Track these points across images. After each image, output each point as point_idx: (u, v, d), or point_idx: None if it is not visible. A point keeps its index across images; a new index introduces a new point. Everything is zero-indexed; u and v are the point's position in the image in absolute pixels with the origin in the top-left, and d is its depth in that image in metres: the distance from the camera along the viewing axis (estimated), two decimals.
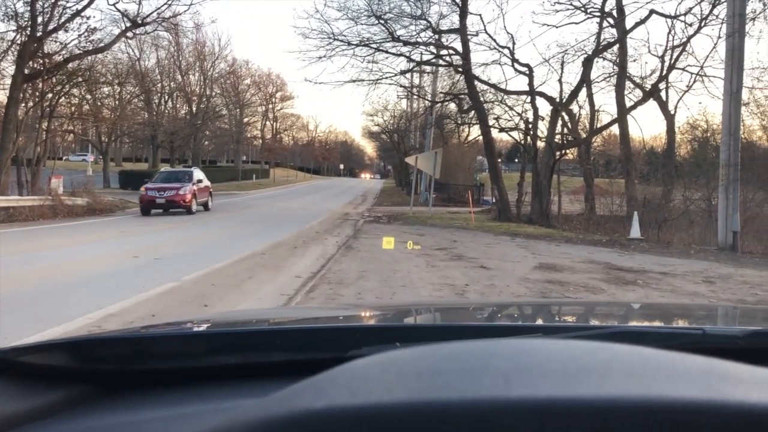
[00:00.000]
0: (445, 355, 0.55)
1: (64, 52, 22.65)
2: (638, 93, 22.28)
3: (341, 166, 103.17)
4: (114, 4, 22.33)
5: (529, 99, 21.39)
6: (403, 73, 23.49)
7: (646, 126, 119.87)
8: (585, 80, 20.99)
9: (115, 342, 1.12)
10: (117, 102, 40.12)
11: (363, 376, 0.52)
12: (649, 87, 21.35)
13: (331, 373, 0.53)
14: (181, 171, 24.42)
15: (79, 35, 22.08)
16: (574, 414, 0.43)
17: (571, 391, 0.45)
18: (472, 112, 23.60)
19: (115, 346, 1.09)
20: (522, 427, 0.43)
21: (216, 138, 66.93)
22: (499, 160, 31.85)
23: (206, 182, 23.36)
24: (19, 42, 21.17)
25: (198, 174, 23.05)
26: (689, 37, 19.74)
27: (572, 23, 26.68)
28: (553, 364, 0.51)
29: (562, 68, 21.17)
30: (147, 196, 20.71)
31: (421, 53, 23.46)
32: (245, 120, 71.53)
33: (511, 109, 22.91)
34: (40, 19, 20.88)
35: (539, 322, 1.64)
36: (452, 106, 29.30)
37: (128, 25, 23.06)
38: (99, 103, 32.17)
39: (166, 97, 54.33)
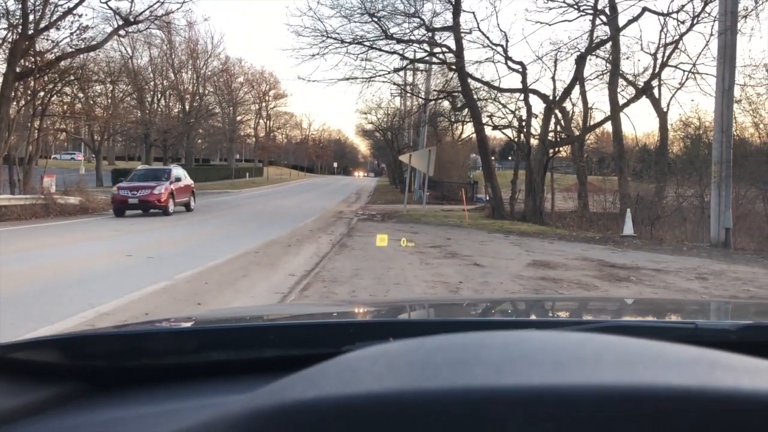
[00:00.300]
0: (436, 346, 0.55)
1: (56, 50, 22.58)
2: (631, 90, 22.37)
3: (335, 164, 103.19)
4: (106, 2, 22.27)
5: (522, 97, 21.45)
6: (396, 70, 23.50)
7: (639, 123, 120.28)
8: (578, 78, 21.04)
9: (106, 338, 1.12)
10: (109, 100, 40.00)
11: (353, 368, 0.52)
12: (642, 84, 21.43)
13: (322, 366, 0.53)
14: (159, 169, 23.09)
15: (71, 33, 22.01)
16: (565, 401, 0.43)
17: (562, 380, 0.45)
18: (466, 109, 23.64)
19: (106, 343, 1.09)
20: (513, 415, 0.43)
21: (209, 136, 66.80)
22: (493, 157, 31.88)
23: (187, 181, 22.04)
24: (10, 40, 21.06)
25: (177, 172, 21.74)
26: (682, 35, 19.82)
27: (565, 21, 26.81)
28: (544, 355, 0.51)
29: (555, 66, 21.28)
30: (119, 196, 19.49)
31: (415, 51, 23.52)
32: (238, 118, 71.43)
33: (504, 106, 23.01)
34: (31, 17, 20.78)
35: (532, 317, 1.64)
36: (446, 103, 29.38)
37: (120, 23, 22.99)
38: (91, 102, 32.08)
39: (159, 95, 54.19)
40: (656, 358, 0.51)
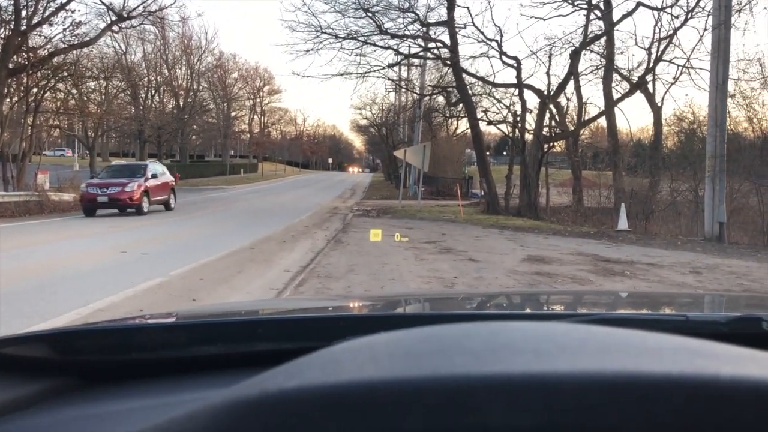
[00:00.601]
0: (421, 337, 0.55)
1: (48, 46, 22.46)
2: (625, 85, 22.38)
3: (330, 160, 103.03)
4: None
5: (517, 92, 21.49)
6: (391, 66, 23.51)
7: (634, 118, 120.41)
8: (573, 73, 21.06)
9: (97, 333, 1.11)
10: (103, 96, 39.80)
11: (337, 359, 0.52)
12: (636, 79, 21.45)
13: (306, 358, 0.54)
14: (135, 165, 21.79)
15: (64, 29, 21.92)
16: (544, 389, 0.43)
17: (544, 367, 0.46)
18: (461, 105, 23.63)
19: (97, 337, 1.08)
20: (492, 402, 0.43)
21: (203, 132, 66.72)
22: (488, 153, 31.91)
23: (166, 177, 20.69)
24: (2, 36, 20.96)
25: (155, 168, 20.39)
26: (676, 30, 19.86)
27: (560, 15, 26.65)
28: (527, 343, 0.51)
29: (549, 61, 21.34)
30: (87, 194, 18.13)
31: (409, 46, 23.50)
32: (233, 114, 71.40)
33: (499, 101, 23.01)
34: (24, 13, 20.70)
35: (526, 310, 1.64)
36: (440, 99, 29.38)
37: (114, 18, 22.92)
38: (85, 98, 31.89)
39: (153, 91, 54.03)
40: (639, 346, 0.51)
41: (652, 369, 0.45)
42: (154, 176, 19.56)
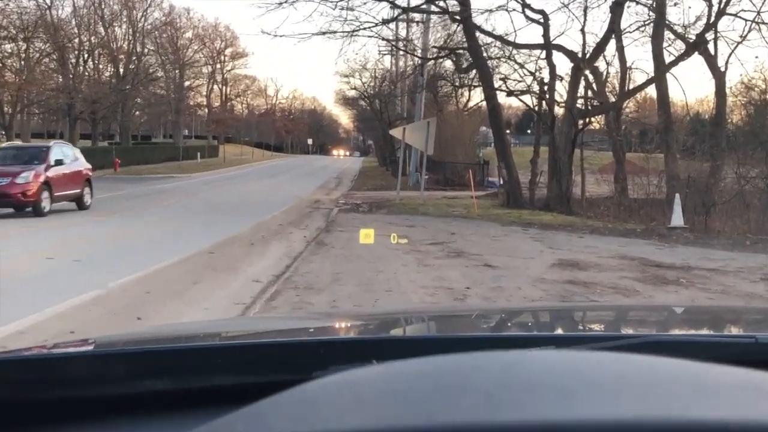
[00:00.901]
0: (420, 371, 0.55)
1: None
2: (680, 45, 22.38)
3: (310, 141, 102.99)
4: None
5: (544, 54, 21.43)
6: (385, 22, 23.41)
7: (690, 87, 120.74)
8: (614, 30, 21.04)
9: (11, 363, 1.11)
10: (23, 62, 39.71)
11: (313, 401, 0.51)
12: (694, 38, 21.46)
13: (273, 399, 0.53)
14: (33, 147, 20.19)
15: None
16: None
17: (571, 413, 0.45)
18: (473, 71, 23.60)
19: (12, 369, 1.08)
20: None
21: (150, 107, 66.61)
22: (508, 131, 31.93)
23: (79, 165, 19.28)
24: None
25: (61, 151, 18.75)
26: None
27: None
28: (551, 380, 0.51)
29: (585, 15, 21.22)
30: None
31: None
32: (187, 84, 71.33)
33: (521, 67, 22.97)
34: None
35: (555, 332, 1.65)
36: (448, 63, 29.36)
37: None
38: (0, 64, 31.85)
39: (86, 55, 53.89)
40: (690, 383, 0.51)
41: (705, 415, 0.45)
42: (59, 162, 18.02)
